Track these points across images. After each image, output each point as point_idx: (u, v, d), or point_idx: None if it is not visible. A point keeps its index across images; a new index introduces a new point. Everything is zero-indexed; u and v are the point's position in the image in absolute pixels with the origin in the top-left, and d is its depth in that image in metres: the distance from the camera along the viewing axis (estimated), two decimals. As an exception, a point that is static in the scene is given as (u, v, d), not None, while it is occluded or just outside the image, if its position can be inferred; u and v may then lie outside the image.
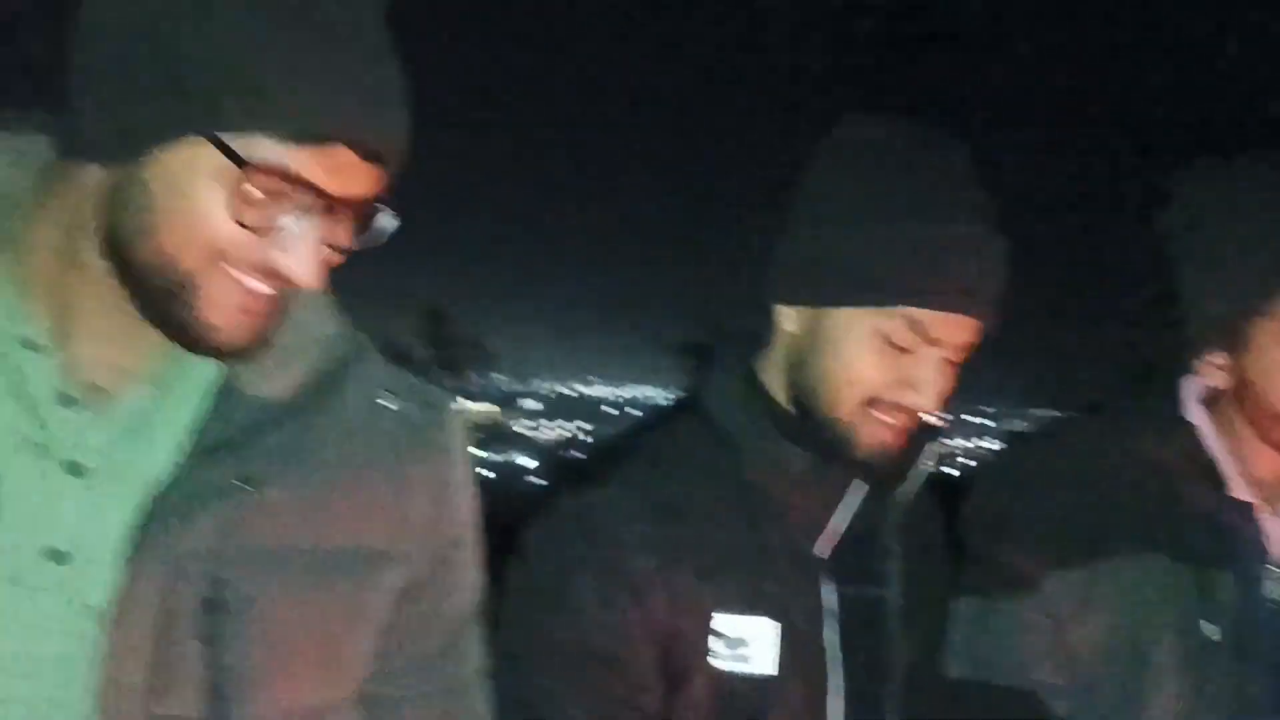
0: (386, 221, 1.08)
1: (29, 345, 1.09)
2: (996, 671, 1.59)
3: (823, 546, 1.49)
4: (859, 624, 1.50)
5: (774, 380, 1.53)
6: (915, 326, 1.41)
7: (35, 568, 1.07)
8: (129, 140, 1.01)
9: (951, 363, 1.47)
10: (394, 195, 1.08)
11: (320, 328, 1.18)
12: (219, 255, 1.01)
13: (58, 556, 1.07)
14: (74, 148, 1.05)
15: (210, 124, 0.99)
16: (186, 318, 1.04)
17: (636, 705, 1.43)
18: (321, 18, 1.01)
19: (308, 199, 1.01)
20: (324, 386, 1.16)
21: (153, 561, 1.06)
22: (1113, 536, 1.56)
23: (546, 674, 1.43)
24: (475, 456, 1.39)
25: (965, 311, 1.42)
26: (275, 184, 0.99)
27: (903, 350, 1.43)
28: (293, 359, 1.14)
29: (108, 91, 1.02)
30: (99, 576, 1.07)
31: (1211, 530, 1.56)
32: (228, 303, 1.03)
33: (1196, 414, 1.62)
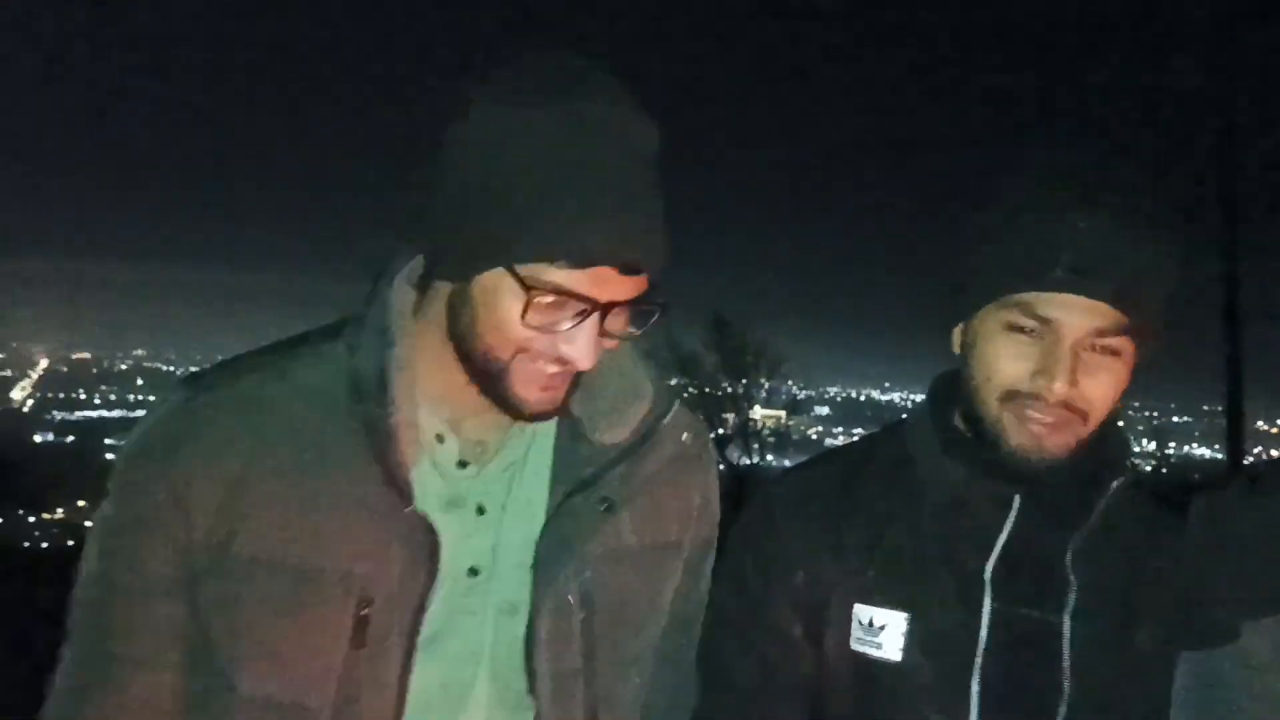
0: (647, 314, 1.32)
1: (439, 438, 1.39)
2: None
3: (988, 562, 1.50)
4: (1018, 645, 1.48)
5: (950, 398, 1.58)
6: (1029, 310, 1.43)
7: (462, 582, 1.37)
8: (461, 265, 1.28)
9: (1098, 356, 1.43)
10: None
11: (642, 384, 1.45)
12: (521, 349, 1.29)
13: (473, 572, 1.38)
14: (434, 269, 1.34)
15: (508, 259, 1.24)
16: (507, 395, 1.32)
17: (788, 668, 1.57)
18: (593, 159, 1.22)
19: (583, 304, 1.26)
20: (648, 431, 1.44)
21: (550, 569, 1.37)
22: None
23: (717, 634, 1.61)
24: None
25: (1075, 291, 1.40)
26: (555, 298, 1.25)
27: (1030, 337, 1.43)
28: (626, 411, 1.43)
29: (449, 226, 1.28)
30: (504, 584, 1.39)
31: None
32: (531, 382, 1.30)
33: None
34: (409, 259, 1.39)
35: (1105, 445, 1.53)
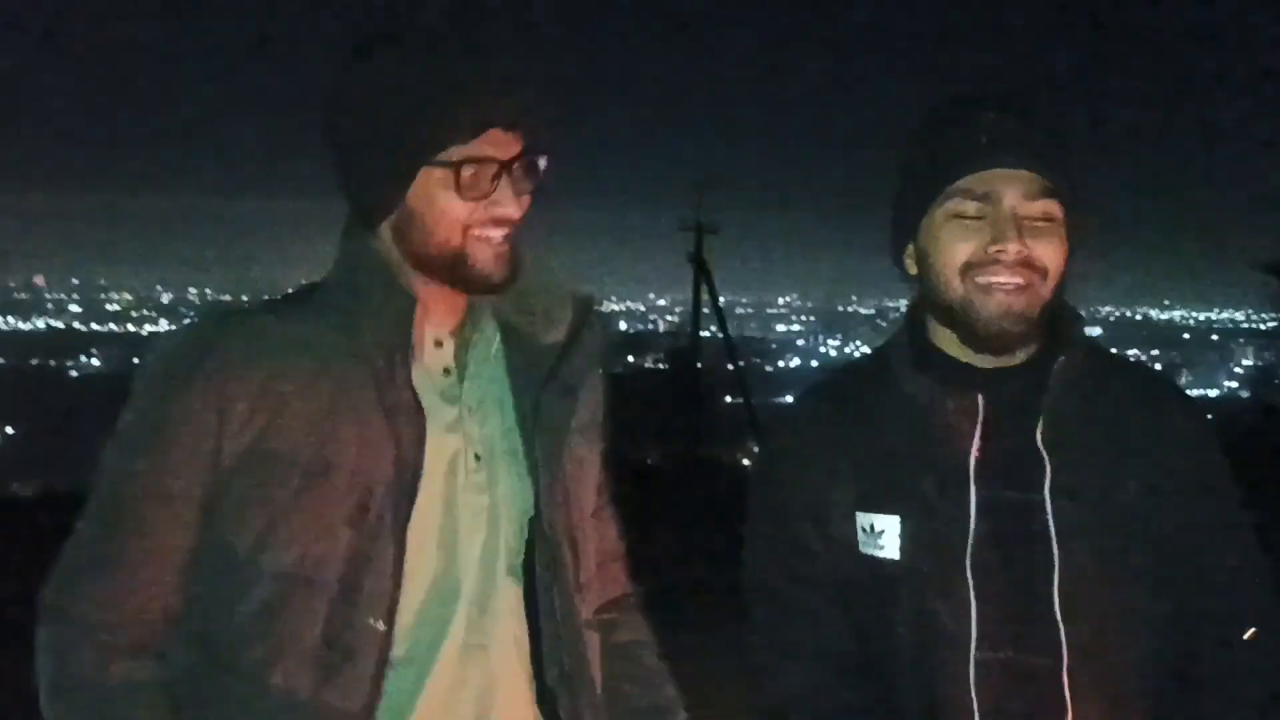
0: (543, 162, 1.53)
1: (438, 343, 1.58)
2: None
3: (969, 459, 1.62)
4: (1006, 528, 1.61)
5: (923, 319, 1.72)
6: (969, 194, 1.59)
7: (455, 473, 1.54)
8: (397, 184, 1.49)
9: (1038, 223, 1.59)
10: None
11: (565, 294, 1.64)
12: (466, 226, 1.49)
13: (467, 460, 1.56)
14: (374, 208, 1.53)
15: (426, 156, 1.47)
16: (471, 273, 1.51)
17: (808, 562, 1.70)
18: (451, 65, 1.48)
19: (492, 165, 1.48)
20: (576, 330, 1.61)
21: (547, 449, 1.57)
22: None
23: (751, 531, 1.78)
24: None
25: (1000, 161, 1.57)
26: (472, 169, 1.47)
27: (974, 220, 1.59)
28: (557, 315, 1.62)
29: (371, 162, 1.50)
30: (495, 470, 1.57)
31: None
32: (487, 252, 1.51)
33: None
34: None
35: (1059, 322, 1.68)
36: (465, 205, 1.49)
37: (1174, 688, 1.64)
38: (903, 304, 1.81)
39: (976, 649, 1.60)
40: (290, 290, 1.62)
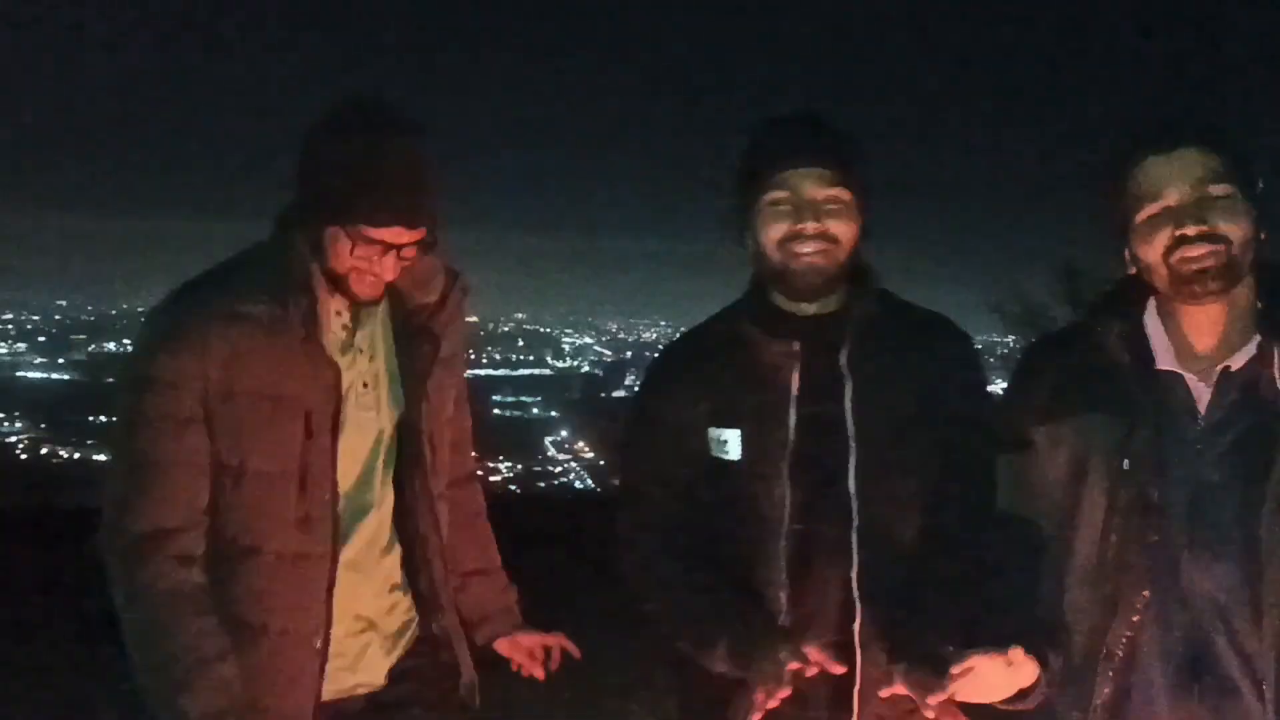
0: (426, 245, 2.08)
1: (338, 312, 2.16)
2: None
3: (792, 382, 2.12)
4: (817, 432, 2.10)
5: (762, 286, 2.22)
6: (779, 187, 2.12)
7: (358, 395, 2.15)
8: (320, 219, 2.04)
9: (833, 205, 2.10)
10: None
11: (439, 266, 2.21)
12: (352, 268, 2.05)
13: (365, 387, 2.17)
14: (306, 217, 2.07)
15: (342, 221, 2.02)
16: (349, 290, 2.08)
17: (676, 468, 2.22)
18: (384, 169, 2.00)
19: (382, 246, 2.03)
20: (447, 292, 2.22)
21: (421, 378, 2.21)
22: (1074, 400, 1.98)
23: (625, 449, 2.33)
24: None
25: (797, 165, 2.10)
26: (366, 244, 2.02)
27: (785, 208, 2.10)
28: (432, 282, 2.20)
29: (315, 200, 2.04)
30: (385, 393, 2.19)
31: (1141, 395, 1.91)
32: (363, 284, 2.07)
33: (1150, 304, 1.98)
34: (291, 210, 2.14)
35: (859, 277, 2.20)
36: (353, 259, 2.06)
37: (937, 548, 2.09)
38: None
39: (789, 524, 2.09)
40: (226, 264, 2.17)
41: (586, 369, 64.39)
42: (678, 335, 2.47)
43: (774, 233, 2.12)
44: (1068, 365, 2.02)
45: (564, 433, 47.55)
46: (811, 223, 2.09)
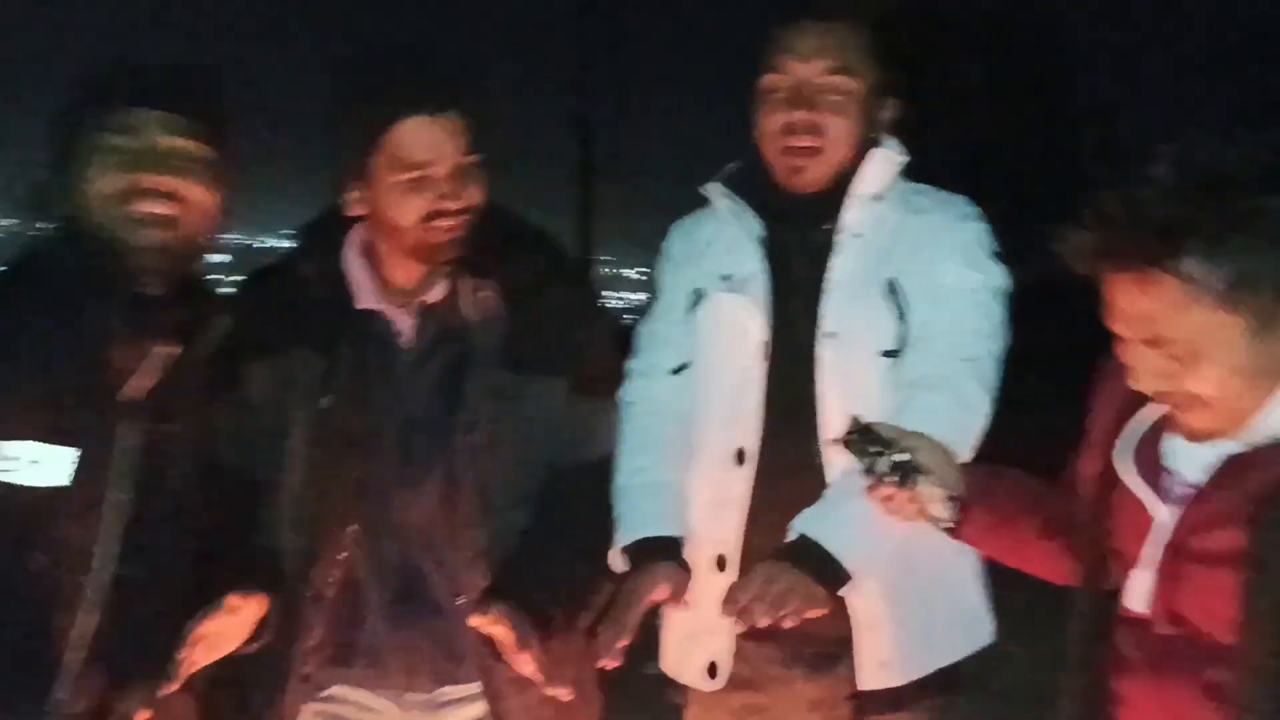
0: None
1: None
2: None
3: (130, 392, 1.79)
4: (150, 457, 1.80)
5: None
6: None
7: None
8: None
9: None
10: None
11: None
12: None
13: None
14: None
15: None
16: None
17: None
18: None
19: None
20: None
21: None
22: (284, 334, 1.93)
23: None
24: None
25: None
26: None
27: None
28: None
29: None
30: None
31: (341, 330, 1.92)
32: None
33: (351, 241, 1.97)
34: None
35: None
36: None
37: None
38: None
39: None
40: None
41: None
42: None
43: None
44: (269, 303, 1.99)
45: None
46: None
